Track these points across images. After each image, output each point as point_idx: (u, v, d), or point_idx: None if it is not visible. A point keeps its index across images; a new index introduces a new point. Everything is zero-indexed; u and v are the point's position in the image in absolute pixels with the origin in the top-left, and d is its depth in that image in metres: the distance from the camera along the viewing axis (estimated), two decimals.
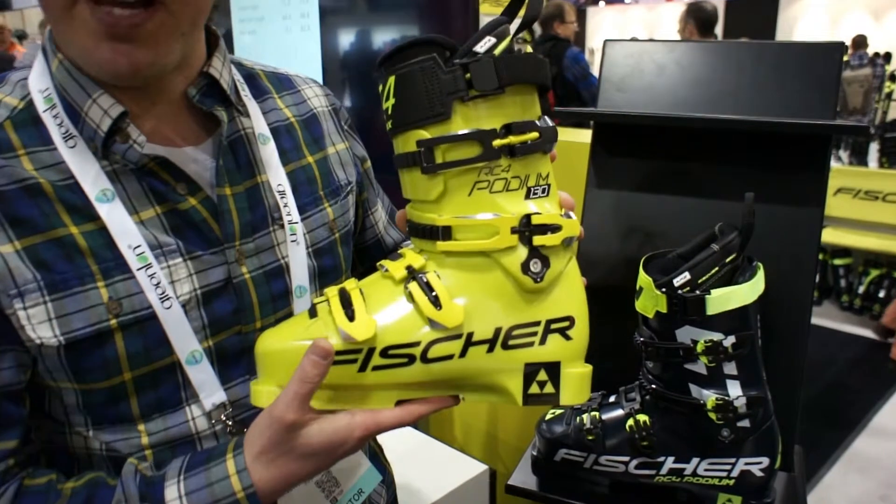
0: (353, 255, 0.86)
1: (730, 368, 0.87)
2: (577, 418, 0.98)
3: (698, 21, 3.52)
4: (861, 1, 11.99)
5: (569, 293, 0.64)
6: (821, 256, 4.53)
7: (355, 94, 1.63)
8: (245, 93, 0.73)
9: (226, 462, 0.59)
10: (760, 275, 0.88)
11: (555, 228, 0.60)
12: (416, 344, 0.60)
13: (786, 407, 1.04)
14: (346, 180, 0.81)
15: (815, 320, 3.89)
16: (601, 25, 15.89)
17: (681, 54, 1.21)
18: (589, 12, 15.82)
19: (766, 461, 0.90)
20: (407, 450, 1.43)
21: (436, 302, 0.59)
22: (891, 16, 11.66)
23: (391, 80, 0.58)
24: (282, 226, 0.70)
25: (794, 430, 1.05)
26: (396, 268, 0.62)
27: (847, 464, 2.83)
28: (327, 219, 0.76)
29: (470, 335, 0.61)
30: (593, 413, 0.97)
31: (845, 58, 8.34)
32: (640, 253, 0.97)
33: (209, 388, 0.65)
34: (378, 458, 0.92)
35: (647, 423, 0.92)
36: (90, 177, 0.60)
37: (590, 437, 0.95)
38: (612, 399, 0.99)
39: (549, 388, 0.64)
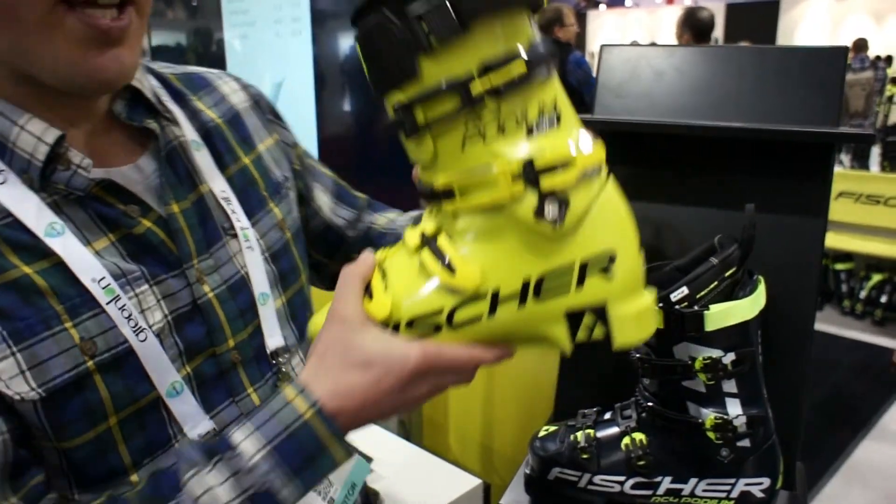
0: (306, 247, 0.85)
1: (729, 386, 0.83)
2: (572, 436, 0.94)
3: (693, 29, 3.50)
4: (862, 4, 11.97)
5: (604, 226, 0.57)
6: (822, 261, 4.49)
7: (350, 98, 1.60)
8: (167, 98, 0.68)
9: (283, 391, 0.54)
10: (761, 289, 0.84)
11: (565, 164, 0.53)
12: (439, 312, 0.57)
13: (788, 422, 1.01)
14: (282, 176, 0.77)
15: (816, 326, 3.86)
16: (601, 29, 15.87)
17: (680, 59, 1.17)
18: (589, 16, 15.81)
19: (767, 482, 0.87)
20: (400, 462, 1.40)
21: (449, 267, 0.56)
22: (891, 19, 11.63)
23: (357, 47, 0.54)
24: (234, 235, 0.67)
25: (797, 446, 1.02)
26: (411, 236, 0.60)
27: (849, 473, 2.79)
28: (276, 219, 0.73)
29: (495, 294, 0.57)
30: (588, 431, 0.94)
31: (847, 61, 8.29)
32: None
33: (194, 419, 0.61)
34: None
35: (644, 441, 0.89)
36: (31, 212, 0.55)
37: (584, 456, 0.92)
38: (607, 416, 0.96)
39: (598, 332, 0.59)
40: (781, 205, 1.04)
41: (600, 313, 0.58)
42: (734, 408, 0.84)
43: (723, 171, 1.07)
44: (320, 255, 0.90)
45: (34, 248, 0.55)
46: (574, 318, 0.58)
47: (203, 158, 0.67)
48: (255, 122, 0.77)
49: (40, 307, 0.54)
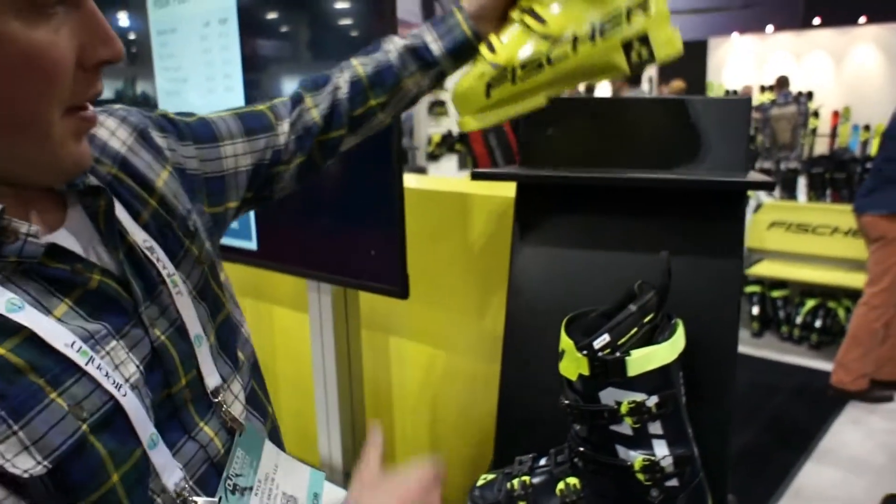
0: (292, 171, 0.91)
1: (655, 428, 0.86)
2: (508, 483, 0.95)
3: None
4: (783, 43, 12.66)
5: None
6: (759, 289, 4.65)
7: None
8: None
9: None
10: (680, 332, 0.88)
11: None
12: (541, 54, 0.91)
13: (716, 459, 1.04)
14: (184, 210, 0.75)
15: (757, 352, 3.95)
16: None
17: (605, 110, 1.23)
18: None
19: None
20: None
21: (541, 20, 0.90)
22: (809, 57, 12.33)
23: None
24: (163, 281, 0.67)
25: (726, 481, 1.05)
26: (515, 13, 0.93)
27: (794, 496, 2.86)
28: (193, 257, 0.73)
29: (575, 37, 0.91)
30: (524, 478, 0.95)
31: (772, 97, 8.70)
32: (567, 309, 0.97)
33: (169, 469, 0.62)
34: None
35: (577, 486, 0.91)
36: None
37: (521, 503, 0.93)
38: (542, 462, 0.97)
39: (644, 54, 0.92)
40: (698, 248, 1.09)
41: (644, 40, 0.91)
42: (661, 449, 0.86)
43: (645, 217, 1.12)
44: (305, 156, 0.92)
45: (0, 327, 0.54)
46: (627, 48, 0.91)
47: (121, 212, 0.67)
48: (146, 159, 0.74)
49: (22, 384, 0.53)
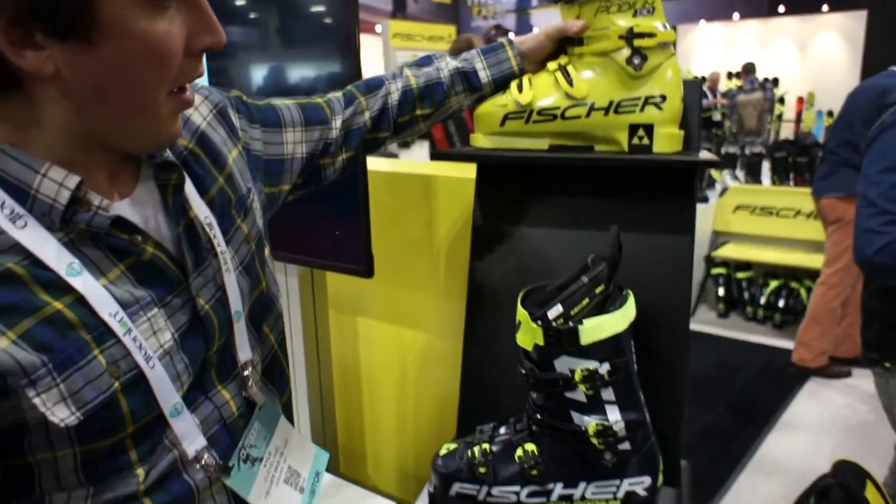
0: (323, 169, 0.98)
1: (608, 394, 0.90)
2: (469, 452, 0.99)
3: None
4: (749, 30, 12.82)
5: (664, 80, 1.00)
6: (724, 271, 4.75)
7: None
8: None
9: None
10: (631, 302, 0.92)
11: (651, 35, 0.97)
12: (558, 108, 1.03)
13: (670, 425, 1.08)
14: (246, 188, 0.82)
15: (723, 332, 4.02)
16: None
17: None
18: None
19: (648, 480, 0.93)
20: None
21: (570, 81, 1.01)
22: (775, 44, 12.50)
23: None
24: (216, 255, 0.73)
25: (679, 446, 1.09)
26: (552, 65, 1.04)
27: (757, 467, 2.95)
28: (244, 234, 0.79)
29: (592, 104, 1.02)
30: (484, 445, 0.98)
31: (739, 83, 8.77)
32: (525, 285, 1.00)
33: (191, 437, 0.67)
34: None
35: (535, 452, 0.94)
36: (52, 253, 0.60)
37: (482, 470, 0.96)
38: (502, 430, 1.01)
39: (645, 141, 1.01)
40: (652, 225, 1.13)
41: (648, 129, 1.01)
42: (613, 414, 0.90)
43: (601, 195, 1.16)
44: (353, 151, 1.00)
45: (59, 285, 0.60)
46: (633, 129, 1.01)
47: (187, 186, 0.72)
48: (222, 136, 0.81)
49: (73, 339, 0.59)
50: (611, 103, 1.01)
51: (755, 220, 4.77)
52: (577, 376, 0.88)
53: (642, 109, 1.00)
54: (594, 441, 0.90)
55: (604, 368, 0.88)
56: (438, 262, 1.49)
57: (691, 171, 1.10)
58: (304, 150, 0.94)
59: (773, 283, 4.55)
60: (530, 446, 0.95)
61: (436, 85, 1.04)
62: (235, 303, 0.74)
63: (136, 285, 0.65)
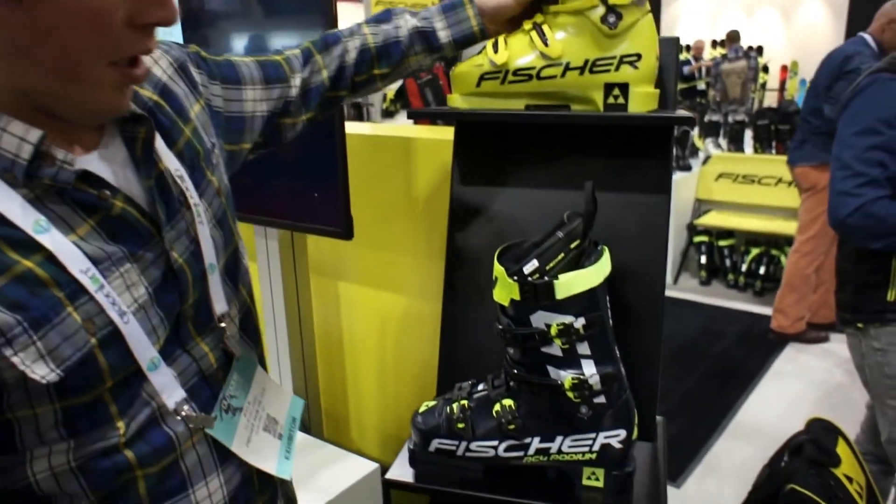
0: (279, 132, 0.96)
1: (583, 349, 0.91)
2: (448, 408, 1.00)
3: None
4: None
5: (639, 38, 0.99)
6: (706, 239, 4.80)
7: None
8: None
9: None
10: (606, 258, 0.93)
11: None
12: (533, 67, 1.02)
13: (646, 381, 1.11)
14: (210, 143, 0.81)
15: (705, 299, 4.07)
16: None
17: None
18: None
19: (623, 433, 0.95)
20: (301, 455, 1.42)
21: (545, 41, 1.00)
22: (760, 12, 12.47)
23: None
24: (188, 208, 0.72)
25: (655, 402, 1.12)
26: (527, 24, 1.03)
27: (734, 431, 3.02)
28: (215, 187, 0.78)
29: (567, 64, 1.01)
30: (462, 402, 1.00)
31: (723, 52, 8.75)
32: (502, 244, 1.01)
33: (169, 390, 0.68)
34: None
35: (513, 406, 0.96)
36: (17, 210, 0.59)
37: (460, 426, 0.98)
38: (480, 387, 1.02)
39: (620, 100, 1.01)
40: (629, 183, 1.13)
41: (624, 89, 1.00)
42: (589, 368, 0.92)
43: (578, 154, 1.16)
44: (312, 111, 0.99)
45: (27, 244, 0.59)
46: (608, 89, 1.00)
47: (157, 140, 0.71)
48: (183, 90, 0.80)
49: (46, 297, 0.59)
50: (586, 62, 1.01)
51: (737, 188, 4.80)
52: (553, 331, 0.89)
53: (617, 69, 1.00)
54: (570, 395, 0.92)
55: (579, 323, 0.89)
56: (418, 224, 1.49)
57: (667, 130, 1.11)
58: (264, 108, 0.93)
59: (755, 251, 4.61)
60: (508, 402, 0.96)
61: (394, 44, 1.02)
62: (209, 255, 0.74)
63: (108, 241, 0.64)
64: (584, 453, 0.96)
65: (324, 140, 1.27)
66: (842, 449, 1.70)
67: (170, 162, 0.71)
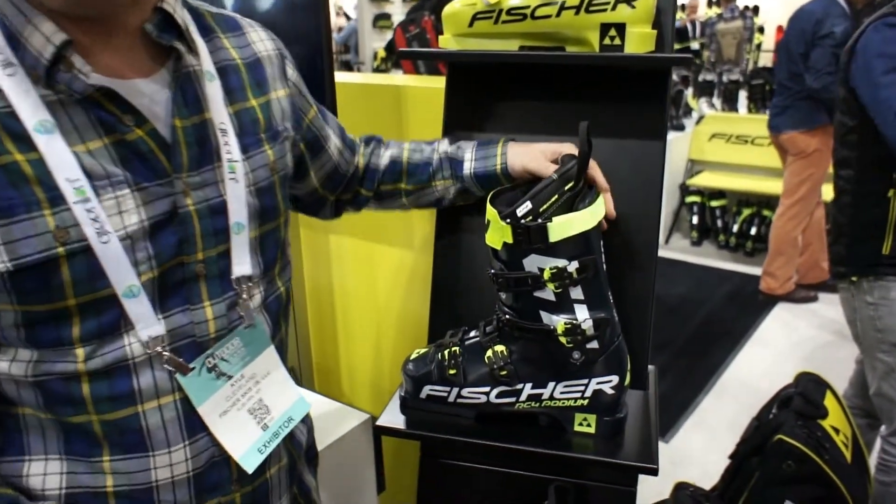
0: (318, 187, 0.99)
1: (576, 293, 0.90)
2: (439, 355, 0.99)
3: None
4: None
5: None
6: (699, 199, 4.79)
7: None
8: (194, 30, 0.73)
9: None
10: (600, 200, 0.91)
11: None
12: (528, 6, 1.00)
13: (638, 329, 1.10)
14: (283, 127, 0.82)
15: (695, 259, 4.10)
16: None
17: None
18: None
19: (615, 379, 0.95)
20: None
21: None
22: None
23: None
24: (221, 162, 0.72)
25: (647, 351, 1.11)
26: None
27: (722, 388, 3.06)
28: (268, 160, 0.78)
29: (563, 2, 0.98)
30: (454, 348, 0.99)
31: (718, 11, 8.65)
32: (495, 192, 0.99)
33: (146, 321, 0.66)
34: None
35: (505, 353, 0.95)
36: (28, 107, 0.60)
37: (451, 372, 0.97)
38: (472, 334, 1.01)
39: (617, 41, 0.98)
40: (625, 130, 1.11)
41: (620, 29, 0.97)
42: (582, 313, 0.91)
43: (571, 100, 1.14)
44: (327, 191, 1.02)
45: (26, 139, 0.60)
46: (604, 29, 0.98)
47: (213, 89, 0.72)
48: (273, 72, 0.82)
49: (24, 192, 0.60)
50: (582, 1, 0.98)
51: (730, 149, 4.78)
52: (546, 275, 0.88)
53: (614, 8, 0.97)
54: (563, 340, 0.91)
55: (572, 266, 0.88)
56: None
57: (664, 74, 1.08)
58: (336, 160, 0.99)
59: (746, 212, 4.61)
60: (500, 347, 0.96)
61: (424, 164, 1.05)
62: (237, 214, 0.72)
63: (116, 162, 0.64)
64: (576, 399, 0.96)
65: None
66: (829, 402, 1.72)
67: (218, 114, 0.71)
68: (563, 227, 0.86)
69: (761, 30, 8.91)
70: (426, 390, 0.99)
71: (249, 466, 0.73)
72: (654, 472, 0.94)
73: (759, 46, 8.80)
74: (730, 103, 5.14)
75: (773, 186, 4.44)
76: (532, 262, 0.88)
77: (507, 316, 0.94)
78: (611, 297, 0.95)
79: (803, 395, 1.71)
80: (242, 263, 0.73)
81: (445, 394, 0.98)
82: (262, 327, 0.76)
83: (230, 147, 0.72)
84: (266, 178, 0.77)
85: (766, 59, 9.05)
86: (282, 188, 0.81)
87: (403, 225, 1.52)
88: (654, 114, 1.10)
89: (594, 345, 0.93)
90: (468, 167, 1.03)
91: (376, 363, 1.68)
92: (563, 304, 0.90)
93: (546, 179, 0.88)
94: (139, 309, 0.65)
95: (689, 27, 7.54)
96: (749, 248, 4.54)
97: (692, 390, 3.02)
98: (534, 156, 0.99)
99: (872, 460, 1.87)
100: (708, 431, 2.73)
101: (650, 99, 1.10)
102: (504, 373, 0.95)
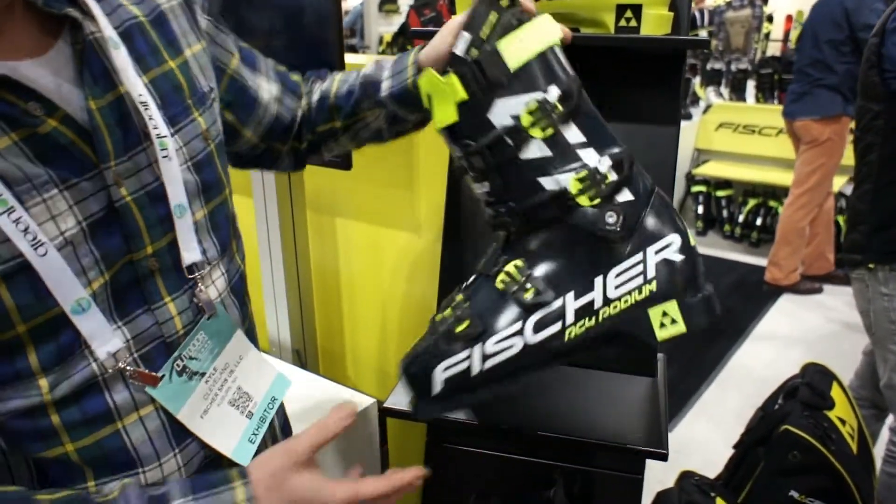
0: (260, 142, 0.87)
1: (573, 134, 0.68)
2: (439, 316, 0.77)
3: None
4: None
5: None
6: (704, 189, 4.77)
7: None
8: None
9: (234, 490, 0.61)
10: (547, 15, 0.72)
11: None
12: None
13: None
14: (208, 86, 0.73)
15: (700, 249, 4.13)
16: None
17: None
18: None
19: (677, 239, 0.69)
20: (298, 390, 1.42)
21: None
22: None
23: None
24: (150, 140, 0.63)
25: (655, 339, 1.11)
26: None
27: (725, 378, 3.06)
28: (200, 129, 0.69)
29: None
30: (457, 298, 0.77)
31: (727, 0, 8.57)
32: None
33: (102, 337, 0.59)
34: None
35: (521, 265, 0.71)
36: None
37: (462, 327, 0.72)
38: (471, 280, 0.79)
39: (633, 23, 0.96)
40: (639, 114, 1.10)
41: (636, 10, 0.95)
42: (590, 156, 0.68)
43: (587, 84, 1.12)
44: (276, 143, 0.90)
45: None
46: (620, 10, 0.95)
47: (120, 57, 0.61)
48: (184, 26, 0.72)
49: None
50: None
51: (737, 138, 4.76)
52: (526, 119, 0.66)
53: None
54: (584, 201, 0.67)
55: (553, 94, 0.66)
56: (418, 156, 1.45)
57: (679, 58, 1.07)
58: (274, 109, 0.86)
59: (752, 202, 4.59)
60: (513, 264, 0.71)
61: (347, 94, 0.87)
62: (177, 196, 0.64)
63: (34, 161, 0.55)
64: (640, 287, 0.69)
65: (323, 67, 1.23)
66: (836, 393, 1.71)
67: (133, 87, 0.62)
68: (518, 46, 0.66)
69: (770, 19, 8.83)
70: (440, 373, 0.72)
71: (244, 459, 0.69)
72: (664, 458, 0.93)
73: (767, 36, 8.72)
74: (738, 92, 5.10)
75: (780, 177, 4.42)
76: (501, 112, 0.67)
77: (505, 210, 0.70)
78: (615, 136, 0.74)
79: (810, 386, 1.70)
80: (191, 249, 0.65)
81: (467, 362, 0.71)
82: (223, 315, 0.70)
83: (156, 122, 0.62)
84: (202, 149, 0.69)
85: (774, 49, 8.99)
86: (220, 157, 0.73)
87: (411, 208, 1.51)
88: (667, 99, 1.09)
89: (627, 196, 0.68)
90: (385, 87, 0.84)
91: (382, 348, 1.68)
92: (564, 154, 0.67)
93: (474, 4, 0.69)
94: (90, 325, 0.58)
95: (698, 15, 7.48)
96: (754, 239, 4.52)
97: (696, 380, 3.02)
98: (443, 36, 0.78)
99: (877, 452, 1.87)
100: (711, 421, 2.73)
101: (664, 83, 1.09)
102: (530, 292, 0.69)
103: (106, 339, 0.59)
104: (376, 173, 1.52)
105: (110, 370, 0.60)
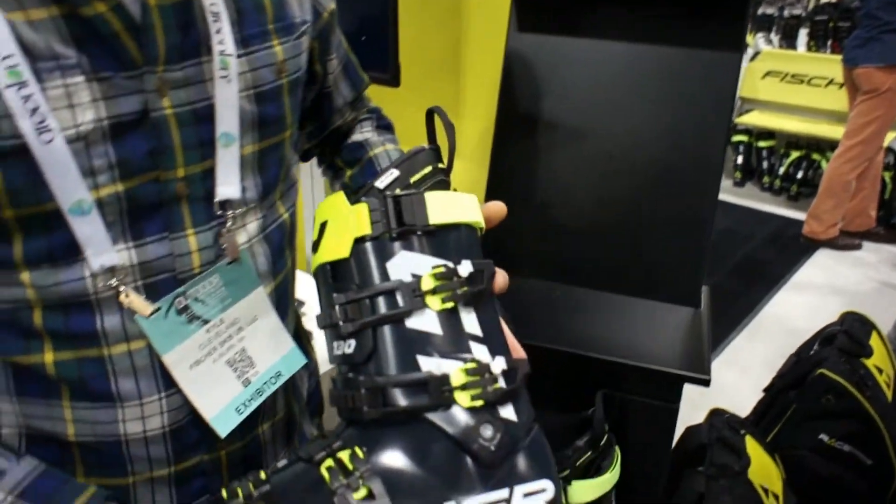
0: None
1: (470, 323, 0.51)
2: None
3: None
4: None
5: None
6: (746, 139, 4.51)
7: None
8: None
9: None
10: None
11: None
12: None
13: (695, 244, 1.07)
14: (301, 18, 0.63)
15: (737, 200, 3.98)
16: None
17: None
18: None
19: (550, 487, 0.50)
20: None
21: None
22: None
23: None
24: (210, 55, 0.55)
25: (703, 268, 1.09)
26: None
27: (754, 329, 2.79)
28: (275, 59, 0.60)
29: None
30: (249, 485, 0.49)
31: None
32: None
33: (97, 247, 0.51)
34: (302, 344, 0.74)
35: (358, 455, 0.48)
36: None
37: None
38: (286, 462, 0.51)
39: None
40: (700, 39, 1.05)
41: None
42: (482, 353, 0.51)
43: (645, 6, 1.08)
44: (312, 125, 0.81)
45: None
46: None
47: None
48: None
49: None
50: None
51: (784, 88, 4.39)
52: (427, 283, 0.49)
53: None
54: (463, 399, 0.48)
55: (464, 269, 0.50)
56: (466, 83, 1.38)
57: None
58: (329, 85, 0.78)
59: (795, 154, 4.23)
60: (345, 454, 0.48)
61: (363, 170, 0.84)
62: (226, 122, 0.55)
63: (66, 42, 0.47)
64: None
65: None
66: (874, 341, 1.68)
67: None
68: (445, 204, 0.51)
69: None
70: None
71: (223, 429, 0.57)
72: (707, 383, 0.93)
73: None
74: (788, 40, 4.81)
75: (827, 130, 3.88)
76: (403, 265, 0.50)
77: (362, 380, 0.49)
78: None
79: (848, 333, 1.66)
80: (229, 184, 0.57)
81: None
82: (247, 264, 0.59)
83: (223, 37, 0.55)
84: (270, 81, 0.60)
85: None
86: (291, 96, 0.63)
87: (459, 135, 1.49)
88: (733, 23, 1.03)
89: (510, 413, 0.49)
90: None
91: None
92: (456, 338, 0.49)
93: (416, 147, 0.58)
94: (88, 230, 0.50)
95: None
96: (793, 192, 4.16)
97: (726, 328, 2.78)
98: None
99: None
100: (739, 368, 2.44)
101: (730, 7, 1.04)
102: (361, 493, 0.46)
103: (103, 250, 0.51)
104: (424, 98, 1.49)
105: (103, 290, 0.52)
